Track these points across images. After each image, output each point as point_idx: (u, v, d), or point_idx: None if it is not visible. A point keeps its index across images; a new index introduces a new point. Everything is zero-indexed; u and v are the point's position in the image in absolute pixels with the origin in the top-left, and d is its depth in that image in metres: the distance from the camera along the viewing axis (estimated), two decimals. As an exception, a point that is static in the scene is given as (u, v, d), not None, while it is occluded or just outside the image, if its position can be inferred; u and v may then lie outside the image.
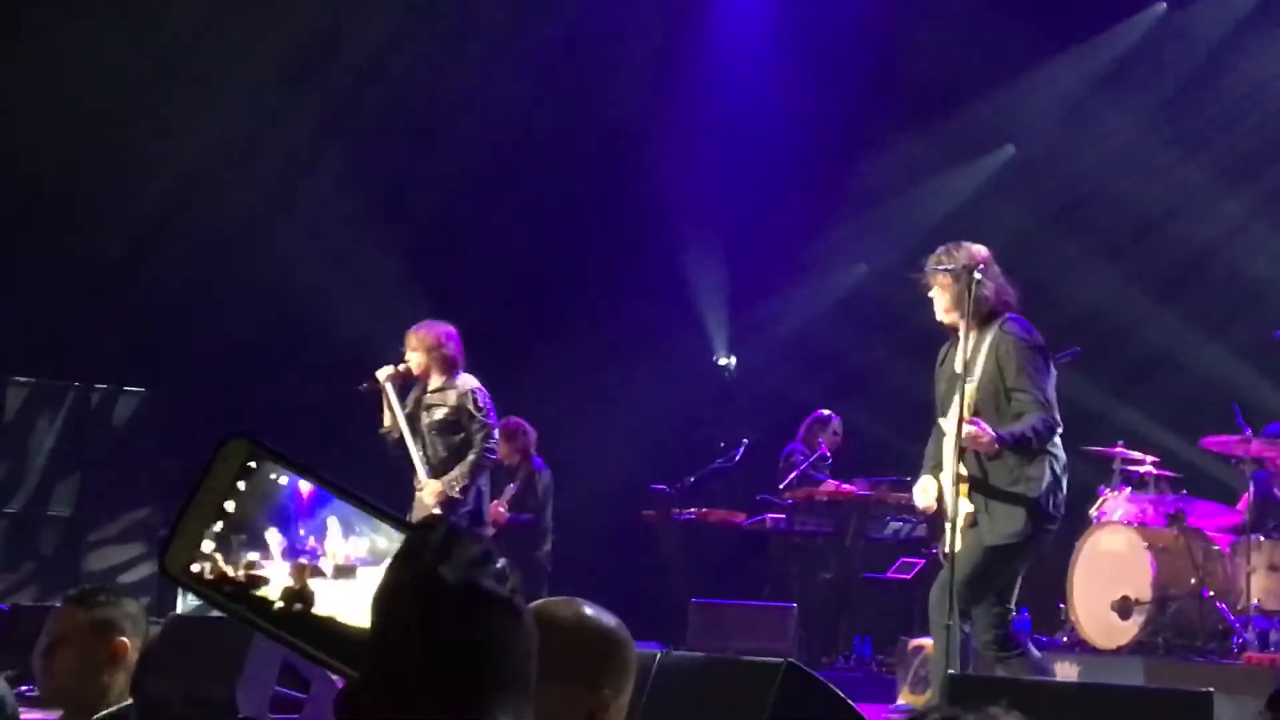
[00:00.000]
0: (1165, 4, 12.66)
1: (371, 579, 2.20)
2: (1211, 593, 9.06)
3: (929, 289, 6.53)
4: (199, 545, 2.30)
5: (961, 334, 6.44)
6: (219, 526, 2.31)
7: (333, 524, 2.35)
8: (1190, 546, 9.16)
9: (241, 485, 2.33)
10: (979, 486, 6.32)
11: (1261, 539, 9.20)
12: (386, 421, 8.41)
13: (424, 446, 8.35)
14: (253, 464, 2.34)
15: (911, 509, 10.67)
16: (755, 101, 13.01)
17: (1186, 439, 10.51)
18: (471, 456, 8.29)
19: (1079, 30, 12.78)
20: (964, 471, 6.28)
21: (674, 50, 13.14)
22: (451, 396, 8.36)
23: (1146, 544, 9.12)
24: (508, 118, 12.77)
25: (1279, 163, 12.21)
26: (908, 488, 10.89)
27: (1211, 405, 10.20)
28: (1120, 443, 9.84)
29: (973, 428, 6.18)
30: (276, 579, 2.30)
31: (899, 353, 12.08)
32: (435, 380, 8.41)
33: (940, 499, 6.46)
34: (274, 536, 2.34)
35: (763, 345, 13.89)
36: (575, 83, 12.80)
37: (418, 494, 8.31)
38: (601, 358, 12.97)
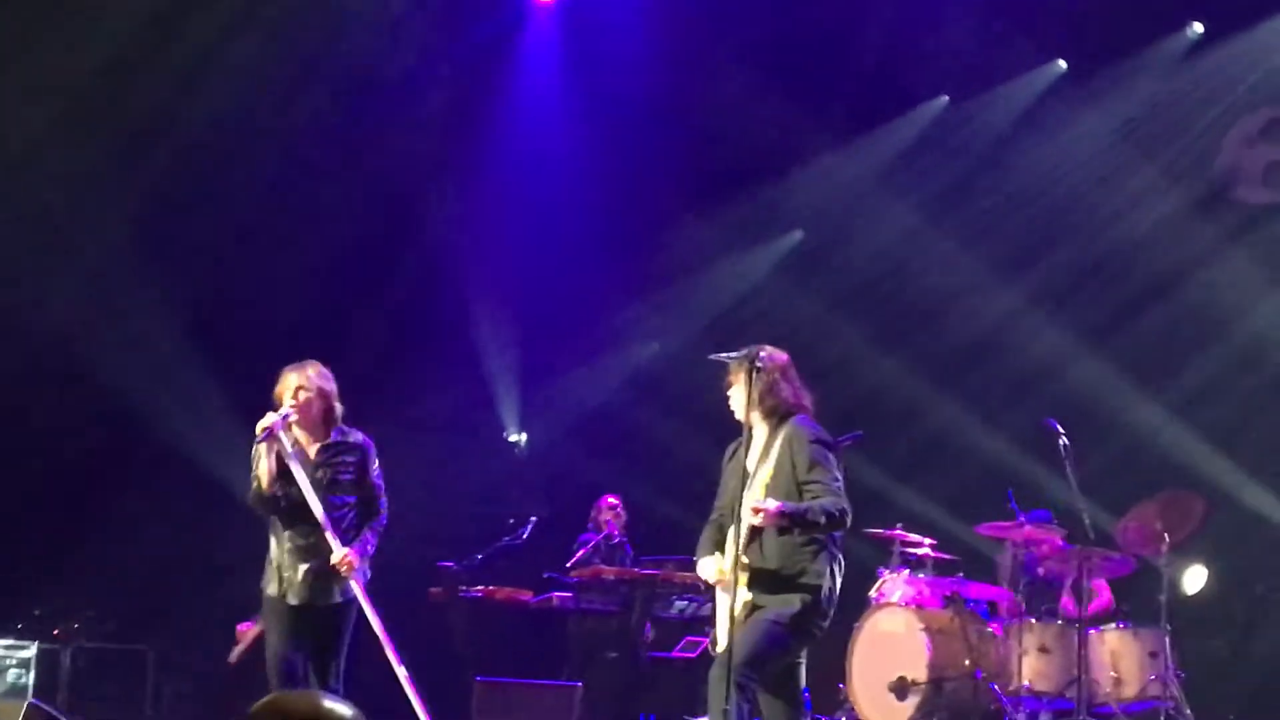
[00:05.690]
0: (947, 98, 13.07)
1: None
2: (985, 674, 9.27)
3: (730, 386, 6.67)
4: None
5: (755, 431, 6.57)
6: None
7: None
8: (965, 628, 9.37)
9: None
10: (759, 575, 6.39)
11: (1032, 621, 9.46)
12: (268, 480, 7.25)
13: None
14: None
15: (697, 588, 10.76)
16: (548, 176, 13.00)
17: (964, 522, 10.76)
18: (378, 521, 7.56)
19: (865, 120, 13.11)
20: (746, 560, 6.36)
21: (464, 122, 13.11)
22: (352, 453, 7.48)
23: (923, 625, 9.31)
24: (292, 186, 12.53)
25: (1053, 254, 12.64)
26: (694, 567, 11.02)
27: (988, 490, 10.45)
28: (900, 525, 10.03)
29: (763, 504, 6.26)
30: None
31: (689, 432, 12.18)
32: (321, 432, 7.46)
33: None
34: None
35: (554, 422, 13.88)
36: (363, 151, 12.67)
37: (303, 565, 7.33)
38: (388, 432, 12.78)
